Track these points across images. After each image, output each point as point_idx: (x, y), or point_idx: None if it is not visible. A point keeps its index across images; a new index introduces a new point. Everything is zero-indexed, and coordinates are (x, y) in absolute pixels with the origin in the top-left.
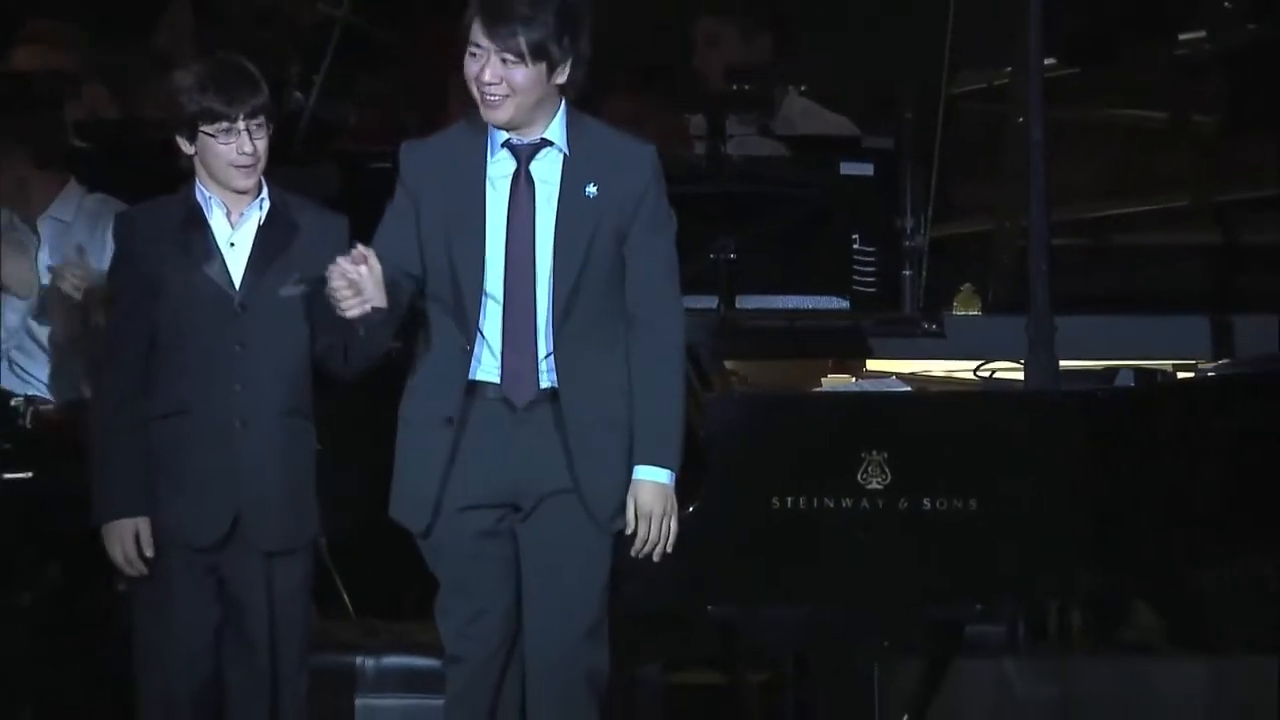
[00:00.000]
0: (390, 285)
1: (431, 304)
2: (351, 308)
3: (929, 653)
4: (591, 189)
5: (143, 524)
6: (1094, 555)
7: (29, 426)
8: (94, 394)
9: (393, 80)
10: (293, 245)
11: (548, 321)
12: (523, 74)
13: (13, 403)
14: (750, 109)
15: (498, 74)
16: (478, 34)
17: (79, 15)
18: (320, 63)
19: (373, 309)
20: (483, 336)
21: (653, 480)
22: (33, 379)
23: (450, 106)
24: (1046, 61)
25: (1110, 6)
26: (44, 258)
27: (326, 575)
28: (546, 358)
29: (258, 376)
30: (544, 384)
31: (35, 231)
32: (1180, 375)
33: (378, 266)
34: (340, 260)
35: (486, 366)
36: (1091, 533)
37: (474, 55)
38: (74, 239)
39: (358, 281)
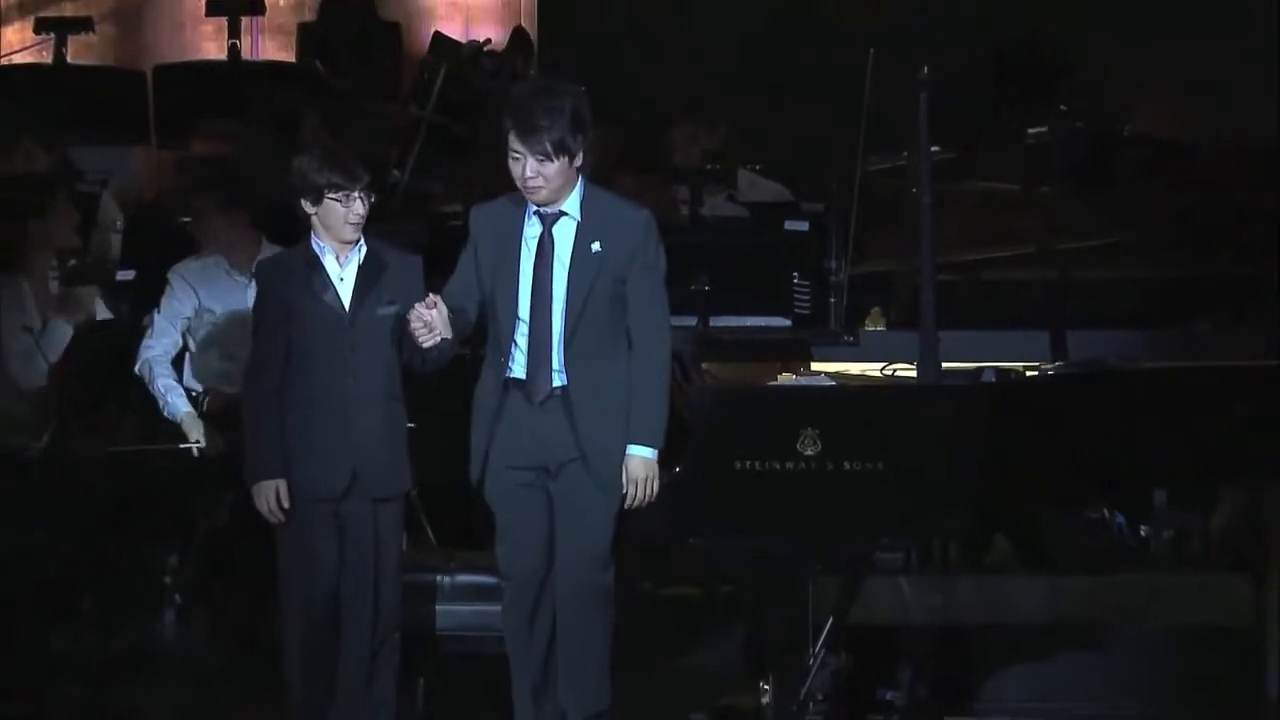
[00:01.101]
0: (454, 316)
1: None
2: (425, 340)
3: (848, 573)
4: (596, 246)
5: (281, 484)
6: (965, 502)
7: (205, 411)
8: (246, 391)
9: (461, 161)
10: (384, 279)
11: (560, 340)
12: (551, 167)
13: (194, 394)
14: (719, 183)
15: (534, 170)
16: (515, 142)
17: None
18: (412, 149)
19: (440, 338)
20: (516, 346)
21: (640, 455)
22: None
23: (499, 183)
24: (932, 148)
25: (976, 109)
26: (249, 296)
27: (416, 516)
28: (558, 371)
29: (364, 373)
30: (556, 383)
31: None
32: (1028, 373)
33: (444, 309)
34: (417, 306)
35: (518, 368)
36: (964, 486)
37: (515, 158)
38: None
39: (430, 321)
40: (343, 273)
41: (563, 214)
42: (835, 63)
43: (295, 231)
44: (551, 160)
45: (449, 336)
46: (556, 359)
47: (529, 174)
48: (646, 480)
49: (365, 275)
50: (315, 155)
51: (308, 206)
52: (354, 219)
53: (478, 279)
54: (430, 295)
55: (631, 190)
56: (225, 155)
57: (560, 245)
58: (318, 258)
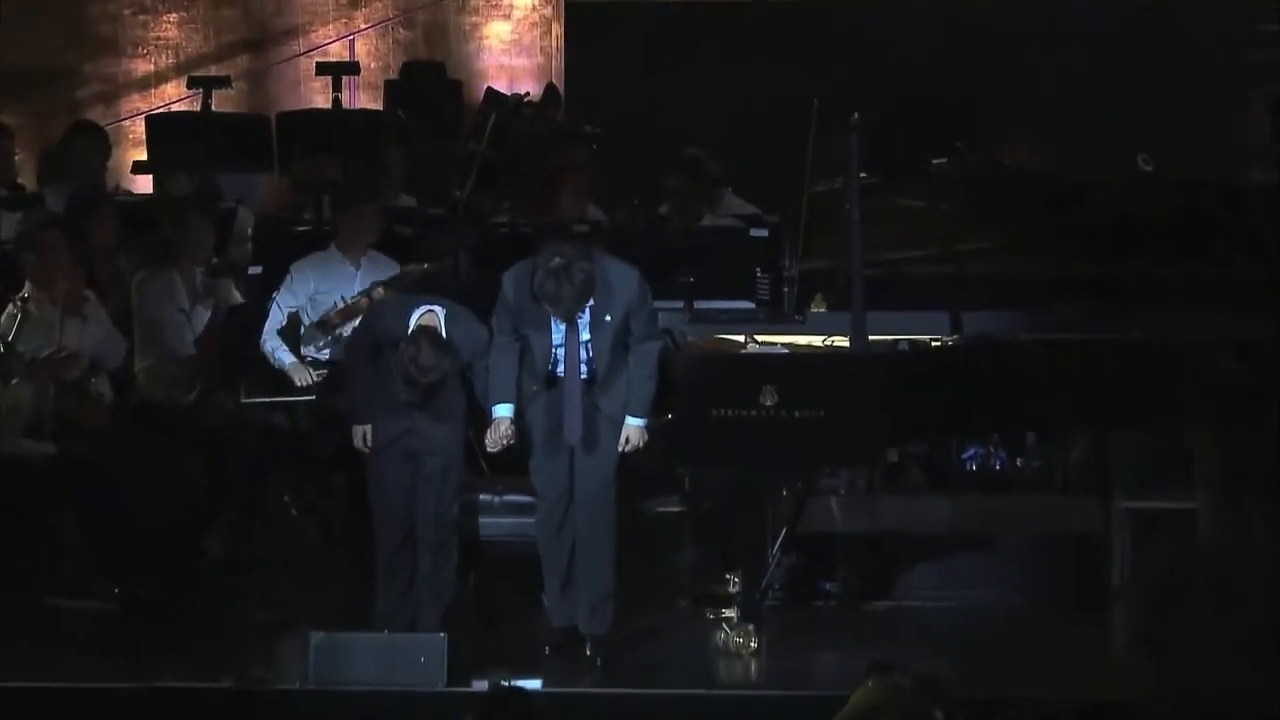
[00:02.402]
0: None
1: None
2: (493, 447)
3: (796, 494)
4: (608, 318)
5: (369, 428)
6: (886, 440)
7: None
8: (347, 360)
9: (506, 185)
10: (452, 334)
11: (589, 364)
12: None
13: (307, 359)
14: (711, 202)
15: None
16: (548, 304)
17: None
18: (469, 175)
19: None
20: (554, 358)
21: (634, 424)
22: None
23: (539, 203)
24: (861, 175)
25: (894, 146)
26: (357, 285)
27: (472, 451)
28: (585, 363)
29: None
30: (585, 376)
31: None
32: (932, 344)
33: (510, 432)
34: (490, 432)
35: (557, 366)
36: (885, 428)
37: (550, 311)
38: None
39: (503, 439)
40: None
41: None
42: (790, 112)
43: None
44: (582, 281)
45: (511, 441)
46: (584, 367)
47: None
48: (639, 440)
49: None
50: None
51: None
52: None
53: (515, 329)
54: (502, 423)
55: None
56: (329, 179)
57: (581, 322)
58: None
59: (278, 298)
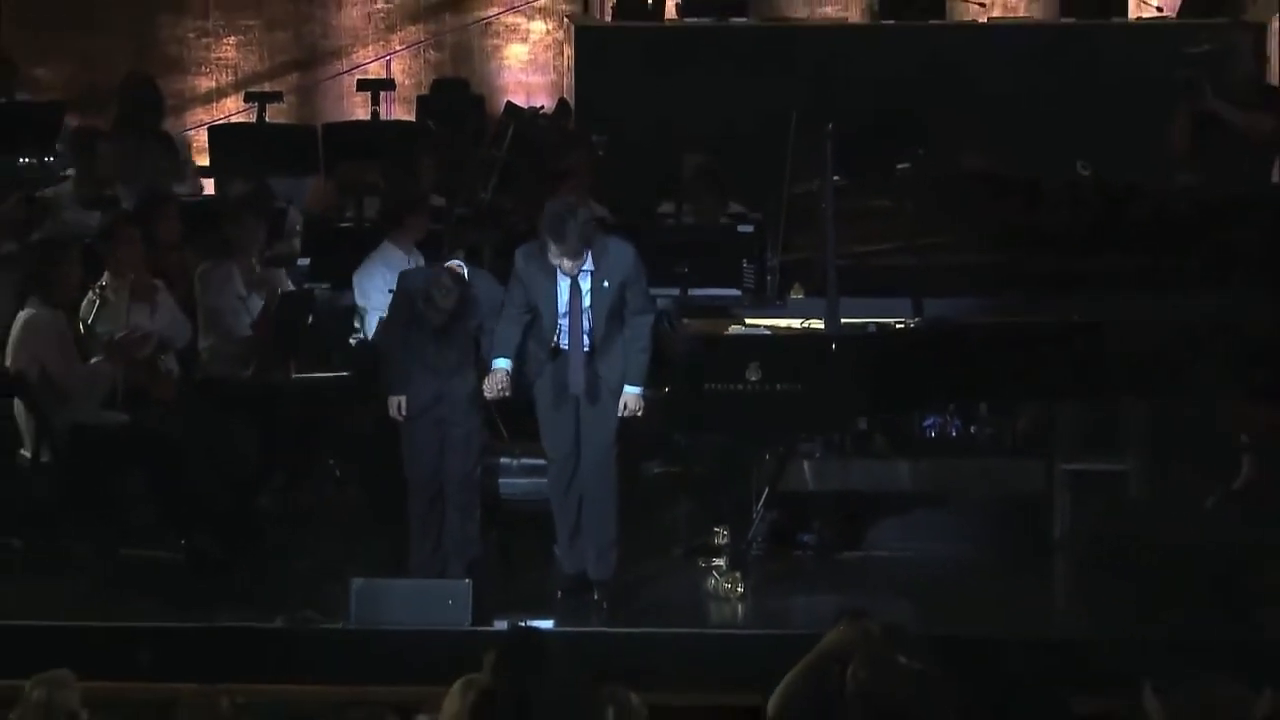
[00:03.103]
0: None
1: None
2: (490, 394)
3: (777, 458)
4: (606, 283)
5: (403, 399)
6: (859, 413)
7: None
8: (382, 339)
9: (524, 186)
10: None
11: (590, 333)
12: (577, 261)
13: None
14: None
15: (570, 263)
16: (555, 252)
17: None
18: (491, 179)
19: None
20: (560, 330)
21: (632, 392)
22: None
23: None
24: (834, 178)
25: (863, 153)
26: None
27: (493, 420)
28: (587, 333)
29: (453, 336)
30: (588, 347)
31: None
32: (896, 326)
33: (506, 382)
34: (489, 379)
35: (562, 339)
36: (855, 400)
37: (557, 260)
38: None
39: (501, 387)
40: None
41: (584, 270)
42: (772, 122)
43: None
44: (584, 252)
45: (506, 393)
46: (585, 338)
47: (566, 265)
48: (637, 408)
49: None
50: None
51: None
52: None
53: (525, 301)
54: (498, 371)
55: None
56: (368, 182)
57: (584, 288)
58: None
59: (370, 305)
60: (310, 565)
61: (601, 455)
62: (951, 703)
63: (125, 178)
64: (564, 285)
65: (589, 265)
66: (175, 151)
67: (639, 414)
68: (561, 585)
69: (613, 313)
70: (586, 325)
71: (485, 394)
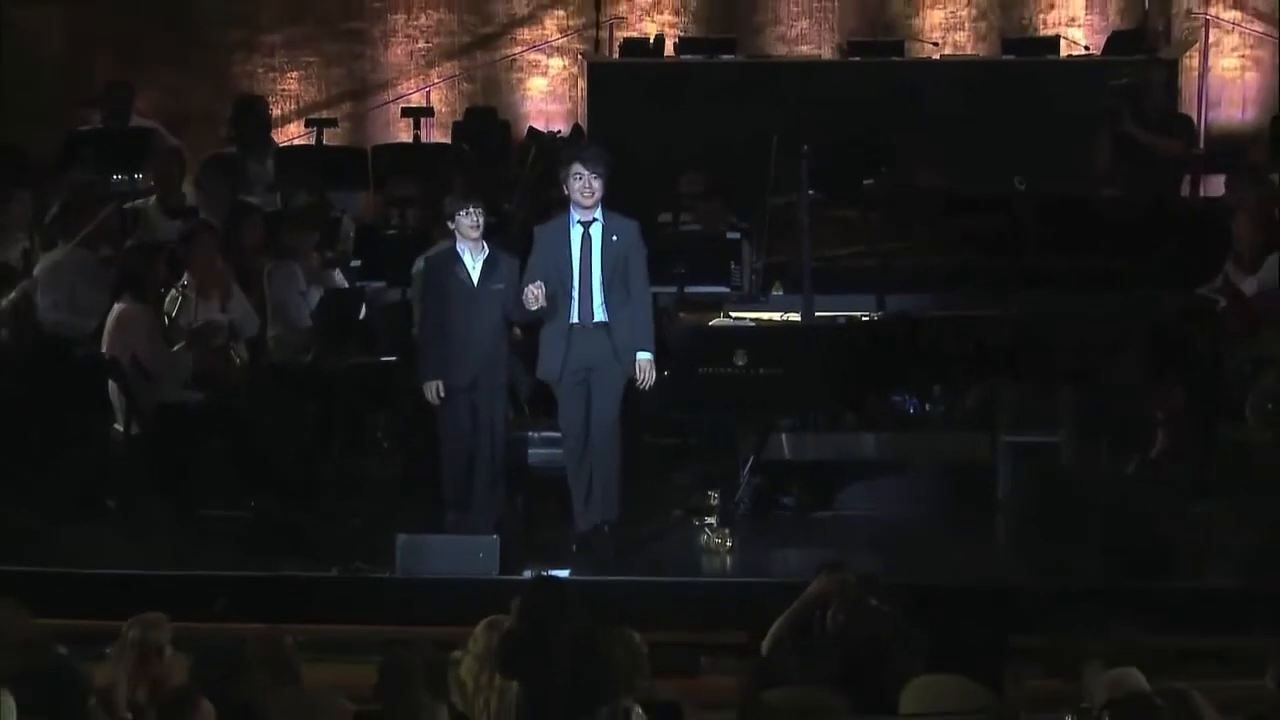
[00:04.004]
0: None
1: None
2: (531, 307)
3: (760, 431)
4: (614, 238)
5: (439, 383)
6: (831, 392)
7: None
8: (420, 328)
9: (540, 199)
10: (496, 269)
11: (600, 293)
12: (598, 182)
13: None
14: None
15: (591, 183)
16: (579, 167)
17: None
18: (516, 192)
19: (538, 305)
20: (571, 305)
21: (644, 357)
22: None
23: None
24: (809, 192)
25: (834, 170)
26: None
27: (517, 399)
28: (600, 307)
29: (483, 321)
30: (599, 318)
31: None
32: (863, 318)
33: (542, 291)
34: (529, 288)
35: (572, 313)
36: (828, 382)
37: (579, 177)
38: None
39: (537, 295)
40: (473, 264)
41: (595, 220)
42: (756, 144)
43: None
44: (600, 177)
45: (543, 305)
46: (597, 307)
47: (589, 186)
48: (649, 373)
49: (486, 266)
50: (451, 195)
51: (450, 224)
52: (473, 232)
53: (543, 270)
54: (538, 284)
55: None
56: (411, 195)
57: (595, 238)
58: (459, 254)
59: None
60: (361, 523)
61: (607, 428)
62: (914, 640)
63: (214, 189)
64: (576, 242)
65: (599, 217)
66: (273, 163)
67: (650, 378)
68: (576, 540)
69: (617, 274)
70: (598, 277)
71: (528, 305)
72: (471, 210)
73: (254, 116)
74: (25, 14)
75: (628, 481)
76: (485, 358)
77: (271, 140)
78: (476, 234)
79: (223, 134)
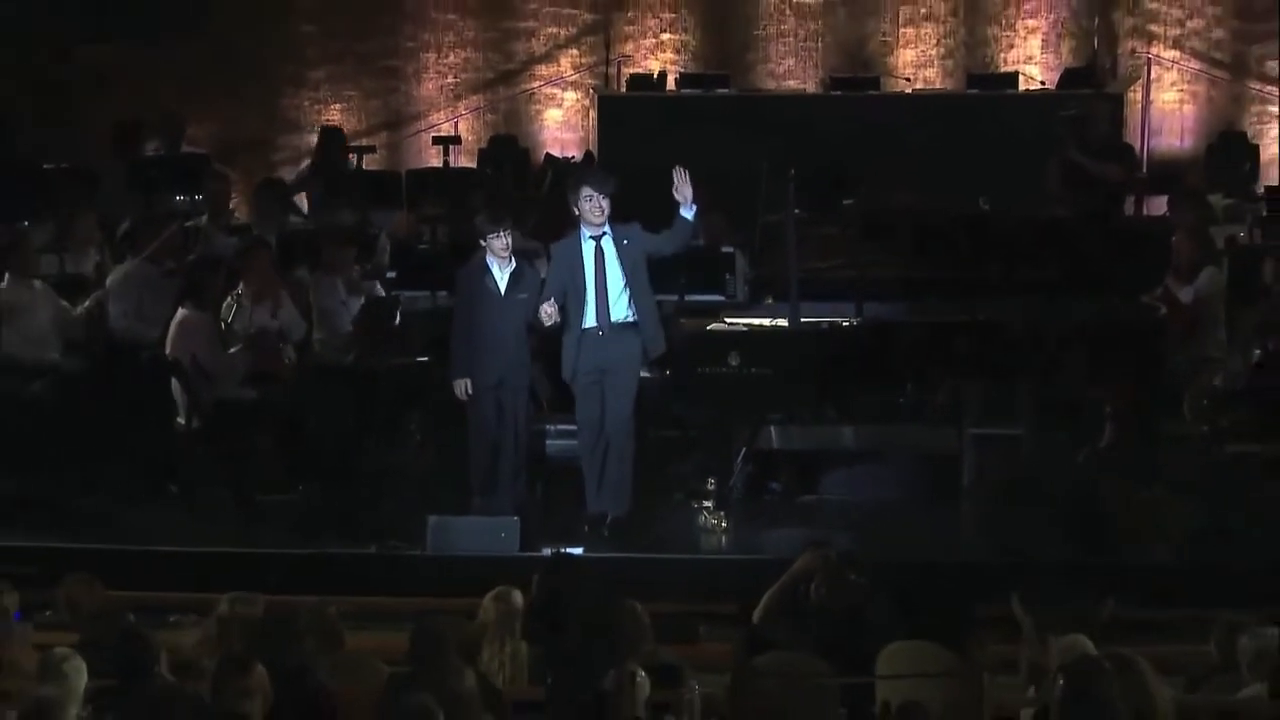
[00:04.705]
0: (553, 309)
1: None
2: (546, 322)
3: (752, 424)
4: (625, 242)
5: (467, 381)
6: (815, 389)
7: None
8: (453, 330)
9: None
10: (521, 281)
11: (622, 297)
12: (607, 202)
13: None
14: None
15: (602, 204)
16: (588, 189)
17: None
18: (535, 211)
19: (552, 321)
20: (586, 312)
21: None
22: None
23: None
24: (795, 211)
25: (817, 193)
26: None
27: (537, 395)
28: (628, 309)
29: (507, 327)
30: (623, 318)
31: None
32: (843, 323)
33: (554, 310)
34: (544, 306)
35: (588, 319)
36: (815, 380)
37: (589, 199)
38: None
39: (550, 314)
40: (500, 274)
41: (605, 234)
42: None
43: None
44: (608, 197)
45: (557, 321)
46: (622, 308)
47: (599, 206)
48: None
49: (513, 277)
50: (481, 215)
51: (482, 240)
52: (503, 250)
53: (561, 285)
54: (551, 302)
55: None
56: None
57: (608, 249)
58: (488, 266)
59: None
60: (396, 506)
61: (623, 425)
62: (889, 610)
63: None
64: (589, 255)
65: (608, 230)
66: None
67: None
68: (588, 522)
69: (638, 272)
70: (619, 280)
71: (544, 321)
72: (502, 233)
73: (335, 144)
74: (97, 50)
75: (635, 471)
76: (510, 359)
77: (348, 163)
78: (506, 253)
79: (306, 162)
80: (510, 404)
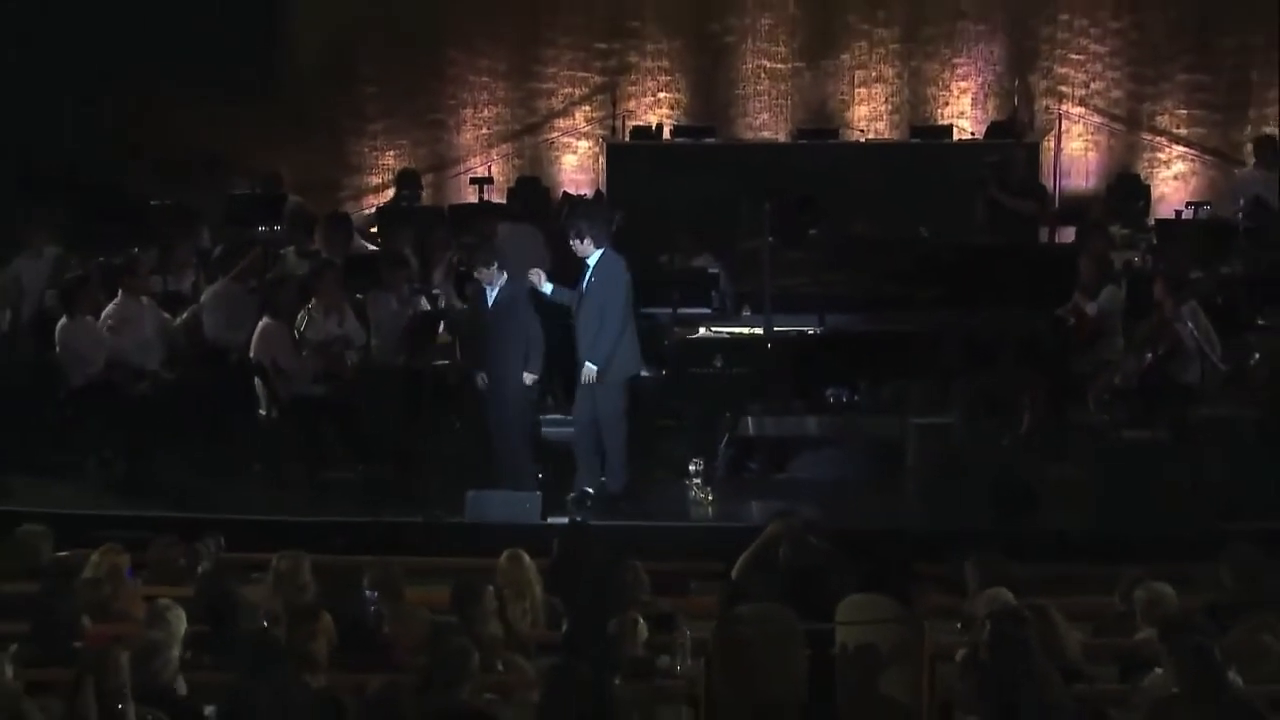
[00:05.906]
0: None
1: None
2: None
3: (733, 415)
4: (595, 279)
5: (483, 374)
6: (792, 383)
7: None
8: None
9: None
10: (505, 298)
11: (594, 311)
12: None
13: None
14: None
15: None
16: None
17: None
18: (555, 240)
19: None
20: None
21: (592, 367)
22: None
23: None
24: (769, 238)
25: (789, 219)
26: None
27: (542, 389)
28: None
29: (495, 332)
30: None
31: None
32: (809, 331)
33: (540, 277)
34: (530, 271)
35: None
36: (792, 376)
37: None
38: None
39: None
40: (490, 294)
41: (587, 265)
42: (730, 203)
43: None
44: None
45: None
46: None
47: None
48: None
49: (499, 297)
50: (482, 249)
51: (475, 273)
52: (484, 275)
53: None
54: (536, 271)
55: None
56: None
57: (587, 277)
58: (483, 289)
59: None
60: (440, 482)
61: (612, 421)
62: (845, 568)
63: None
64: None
65: (593, 262)
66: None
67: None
68: (574, 499)
69: (600, 309)
70: (591, 308)
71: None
72: (483, 268)
73: (416, 182)
74: (189, 110)
75: (635, 453)
76: (499, 357)
77: (419, 196)
78: (490, 280)
79: (395, 195)
80: (522, 397)
